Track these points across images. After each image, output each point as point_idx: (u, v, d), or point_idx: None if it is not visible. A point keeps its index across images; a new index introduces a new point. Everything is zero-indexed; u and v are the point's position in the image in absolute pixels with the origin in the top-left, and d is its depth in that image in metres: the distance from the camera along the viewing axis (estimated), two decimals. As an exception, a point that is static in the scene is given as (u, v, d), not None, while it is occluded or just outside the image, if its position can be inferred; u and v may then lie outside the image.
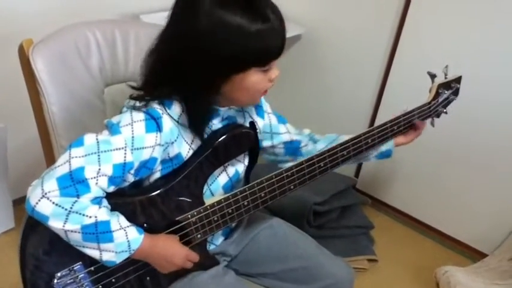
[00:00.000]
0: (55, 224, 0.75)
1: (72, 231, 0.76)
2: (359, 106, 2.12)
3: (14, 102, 1.55)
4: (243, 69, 0.83)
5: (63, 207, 0.74)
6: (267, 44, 0.81)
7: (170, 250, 0.90)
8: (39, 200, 0.74)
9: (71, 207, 0.75)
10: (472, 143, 1.83)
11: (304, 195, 1.76)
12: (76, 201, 0.75)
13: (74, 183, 0.75)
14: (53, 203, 0.74)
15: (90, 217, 0.77)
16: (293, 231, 1.15)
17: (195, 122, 0.88)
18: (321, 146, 1.11)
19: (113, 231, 0.80)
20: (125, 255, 0.83)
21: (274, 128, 1.10)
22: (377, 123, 2.08)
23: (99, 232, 0.78)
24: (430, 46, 1.81)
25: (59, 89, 1.03)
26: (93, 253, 0.81)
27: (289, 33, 2.24)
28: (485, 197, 1.88)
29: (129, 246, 0.82)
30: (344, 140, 1.04)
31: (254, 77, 0.85)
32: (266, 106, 1.09)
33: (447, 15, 1.73)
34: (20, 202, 1.83)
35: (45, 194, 0.74)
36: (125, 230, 0.82)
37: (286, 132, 1.11)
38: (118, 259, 0.82)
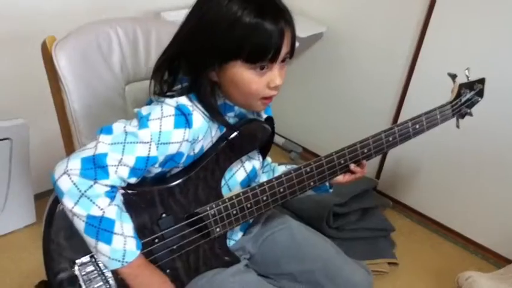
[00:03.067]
0: (67, 203, 0.78)
1: (78, 216, 0.79)
2: (381, 105, 2.09)
3: (36, 98, 1.57)
4: (229, 56, 0.83)
5: (78, 189, 0.78)
6: (255, 39, 0.81)
7: (158, 281, 0.90)
8: (61, 175, 0.77)
9: (86, 191, 0.78)
10: (497, 145, 1.78)
11: (324, 196, 1.75)
12: (92, 185, 0.78)
13: (95, 166, 0.78)
14: (72, 181, 0.77)
15: (99, 208, 0.79)
16: (312, 234, 1.14)
17: (208, 109, 0.88)
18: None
19: (114, 233, 0.81)
20: (117, 265, 0.83)
21: None
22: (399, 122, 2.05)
23: (101, 228, 0.80)
24: (455, 46, 1.76)
25: (80, 86, 1.04)
26: (92, 250, 0.83)
27: (311, 31, 2.23)
28: (511, 201, 1.82)
29: (123, 256, 0.83)
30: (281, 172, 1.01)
31: (244, 73, 0.84)
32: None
33: (473, 16, 1.69)
34: (41, 197, 1.86)
35: (68, 170, 0.77)
36: (125, 238, 0.82)
37: None
38: (109, 266, 0.83)
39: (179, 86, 0.90)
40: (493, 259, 1.94)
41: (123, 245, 0.82)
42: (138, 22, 1.16)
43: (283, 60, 0.87)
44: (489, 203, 1.89)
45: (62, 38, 1.03)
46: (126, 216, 0.85)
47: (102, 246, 0.81)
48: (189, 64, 0.88)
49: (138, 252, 0.85)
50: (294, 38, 0.87)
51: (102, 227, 0.80)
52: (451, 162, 1.95)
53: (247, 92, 0.87)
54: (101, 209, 0.79)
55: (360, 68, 2.12)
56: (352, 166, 1.04)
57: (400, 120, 2.00)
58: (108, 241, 0.81)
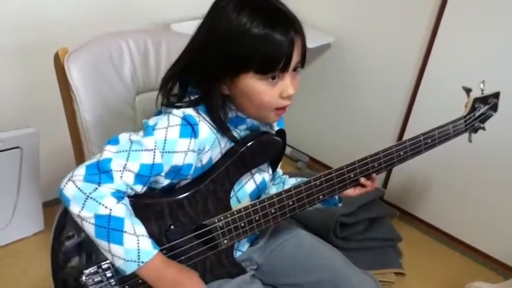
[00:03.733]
0: (74, 209, 0.78)
1: (86, 220, 0.78)
2: (388, 116, 2.09)
3: (46, 107, 1.59)
4: (240, 69, 0.83)
5: (83, 192, 0.78)
6: (265, 50, 0.81)
7: (186, 276, 0.88)
8: (66, 183, 0.78)
9: (90, 193, 0.78)
10: (504, 157, 1.78)
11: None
12: (97, 188, 0.78)
13: (100, 172, 0.78)
14: (76, 186, 0.78)
15: (106, 207, 0.78)
16: (320, 244, 1.14)
17: (216, 123, 0.89)
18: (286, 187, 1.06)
19: (125, 231, 0.79)
20: (133, 267, 0.80)
21: None
22: (406, 133, 2.06)
23: (110, 228, 0.78)
24: (463, 57, 1.77)
25: (92, 96, 1.06)
26: (107, 256, 0.82)
27: (318, 42, 2.24)
28: (519, 212, 1.82)
29: (138, 256, 0.80)
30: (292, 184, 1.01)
31: (256, 85, 0.84)
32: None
33: (481, 26, 1.69)
34: (49, 205, 1.87)
35: (72, 177, 0.78)
36: (137, 237, 0.81)
37: None
38: (127, 269, 0.81)
39: (187, 99, 0.90)
40: (501, 270, 1.92)
41: (136, 244, 0.80)
42: (149, 34, 1.18)
43: (295, 69, 0.87)
44: (498, 213, 1.88)
45: (74, 50, 1.05)
46: (137, 219, 0.84)
47: (115, 249, 0.79)
48: (199, 77, 0.89)
49: (156, 252, 0.82)
50: (304, 47, 0.87)
51: (112, 227, 0.78)
52: (458, 172, 1.94)
53: (259, 103, 0.87)
54: (108, 208, 0.78)
55: (367, 77, 2.13)
56: (362, 180, 1.04)
57: (407, 130, 2.03)
58: (120, 241, 0.79)
